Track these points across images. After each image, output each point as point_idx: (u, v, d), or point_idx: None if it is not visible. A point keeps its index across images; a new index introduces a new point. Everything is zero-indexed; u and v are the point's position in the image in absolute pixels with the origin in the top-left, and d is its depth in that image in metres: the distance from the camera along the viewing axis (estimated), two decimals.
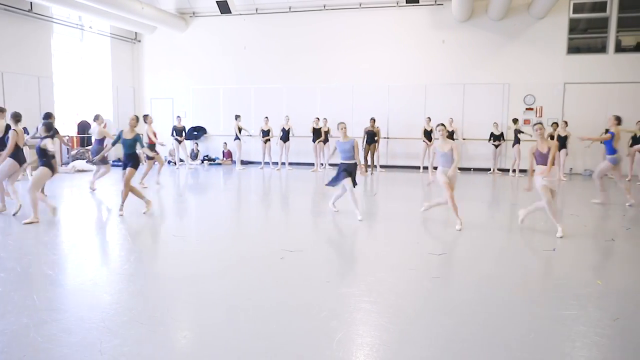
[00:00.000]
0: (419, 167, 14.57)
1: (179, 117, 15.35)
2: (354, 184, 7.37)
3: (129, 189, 7.59)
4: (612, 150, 8.67)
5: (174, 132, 14.96)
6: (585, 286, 4.43)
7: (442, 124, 6.98)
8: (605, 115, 13.12)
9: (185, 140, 15.21)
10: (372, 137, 14.05)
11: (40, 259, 5.16)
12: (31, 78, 13.68)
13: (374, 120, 14.06)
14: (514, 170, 13.86)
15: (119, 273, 4.81)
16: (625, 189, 8.95)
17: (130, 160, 7.68)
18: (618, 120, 8.73)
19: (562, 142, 12.84)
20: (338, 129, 7.44)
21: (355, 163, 7.38)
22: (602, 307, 3.93)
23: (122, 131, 7.76)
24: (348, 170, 7.30)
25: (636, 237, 6.55)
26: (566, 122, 13.01)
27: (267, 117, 15.22)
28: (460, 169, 14.14)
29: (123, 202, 7.64)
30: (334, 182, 7.53)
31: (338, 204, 7.99)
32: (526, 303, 4.04)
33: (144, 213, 7.62)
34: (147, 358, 3.03)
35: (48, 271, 4.73)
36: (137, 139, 7.68)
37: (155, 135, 11.26)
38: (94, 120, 10.33)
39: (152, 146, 10.99)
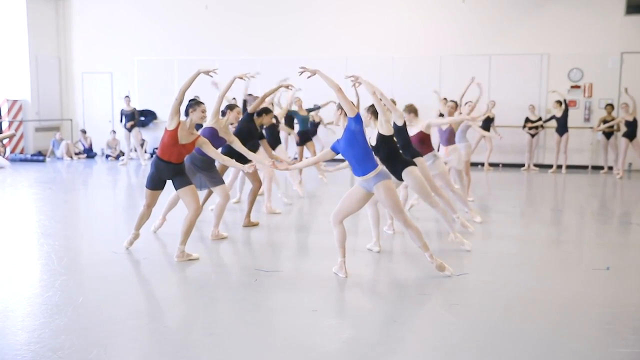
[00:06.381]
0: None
1: (127, 97, 15.21)
2: None
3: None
4: None
5: (123, 117, 14.77)
6: None
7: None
8: None
9: (136, 127, 14.89)
10: None
11: None
12: None
13: None
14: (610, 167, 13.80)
15: (40, 302, 4.76)
16: None
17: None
18: None
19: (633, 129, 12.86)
20: None
21: None
22: None
23: None
24: None
25: None
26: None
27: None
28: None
29: None
30: None
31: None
32: (569, 337, 4.07)
33: None
34: None
35: None
36: None
37: None
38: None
39: None
